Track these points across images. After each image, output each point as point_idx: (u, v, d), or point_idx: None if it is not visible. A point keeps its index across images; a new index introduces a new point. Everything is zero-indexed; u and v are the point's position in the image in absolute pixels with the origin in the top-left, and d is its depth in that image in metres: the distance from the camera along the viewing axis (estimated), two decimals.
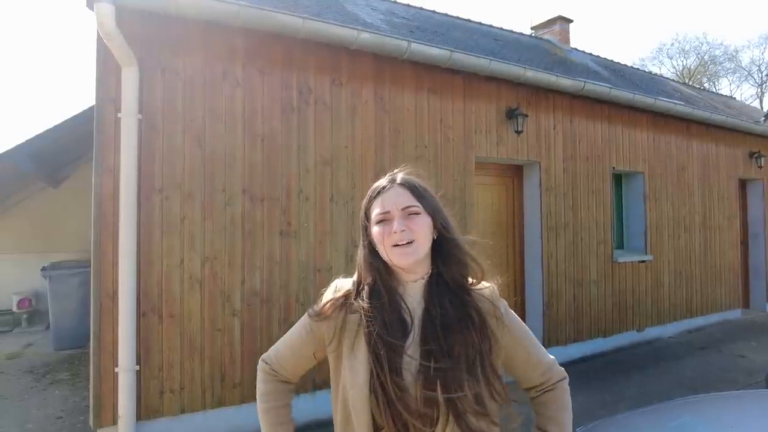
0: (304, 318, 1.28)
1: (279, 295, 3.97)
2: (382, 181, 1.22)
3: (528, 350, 1.26)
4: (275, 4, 4.05)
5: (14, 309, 7.63)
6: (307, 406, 3.98)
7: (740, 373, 5.27)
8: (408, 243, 1.14)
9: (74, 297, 6.30)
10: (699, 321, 7.41)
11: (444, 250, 1.20)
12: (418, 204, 1.17)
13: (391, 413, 1.07)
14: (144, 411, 3.47)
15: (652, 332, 6.69)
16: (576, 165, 5.92)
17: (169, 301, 3.58)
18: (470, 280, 1.23)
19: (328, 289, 1.27)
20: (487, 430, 1.10)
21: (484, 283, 1.25)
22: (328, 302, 1.22)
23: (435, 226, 1.19)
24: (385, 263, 1.19)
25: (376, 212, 1.18)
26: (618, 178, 6.83)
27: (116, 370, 3.36)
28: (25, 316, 7.68)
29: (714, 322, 7.64)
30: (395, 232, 1.13)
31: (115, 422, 3.36)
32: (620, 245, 6.82)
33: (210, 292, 3.72)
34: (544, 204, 5.60)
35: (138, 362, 3.44)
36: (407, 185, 1.20)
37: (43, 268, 6.39)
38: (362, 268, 1.22)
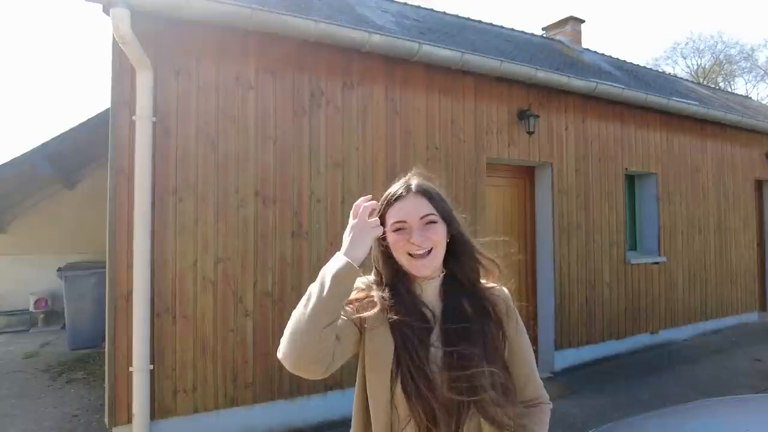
0: None
1: (291, 297, 3.99)
2: (398, 188, 1.24)
3: (528, 362, 1.29)
4: (287, 7, 4.08)
5: (31, 309, 7.77)
6: (318, 406, 4.00)
7: (757, 378, 5.18)
8: (427, 253, 1.18)
9: (89, 297, 6.39)
10: (714, 324, 7.31)
11: (457, 252, 1.25)
12: (434, 212, 1.21)
13: (421, 404, 1.10)
14: (158, 410, 3.50)
15: (666, 335, 6.61)
16: (588, 166, 5.88)
17: (182, 302, 3.62)
18: (482, 280, 1.28)
19: None
20: (501, 420, 1.13)
21: (495, 285, 1.30)
22: (354, 294, 1.23)
23: (449, 231, 1.23)
24: (399, 265, 1.23)
25: (393, 220, 1.21)
26: (631, 179, 6.76)
27: (131, 369, 3.40)
28: (41, 316, 7.82)
29: (730, 325, 7.53)
30: (414, 243, 1.17)
31: (129, 421, 3.40)
32: (633, 247, 6.75)
33: (223, 293, 3.75)
34: (556, 205, 5.57)
35: (152, 362, 3.48)
36: (424, 193, 1.22)
37: (59, 269, 6.50)
38: (379, 268, 1.26)
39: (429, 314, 1.21)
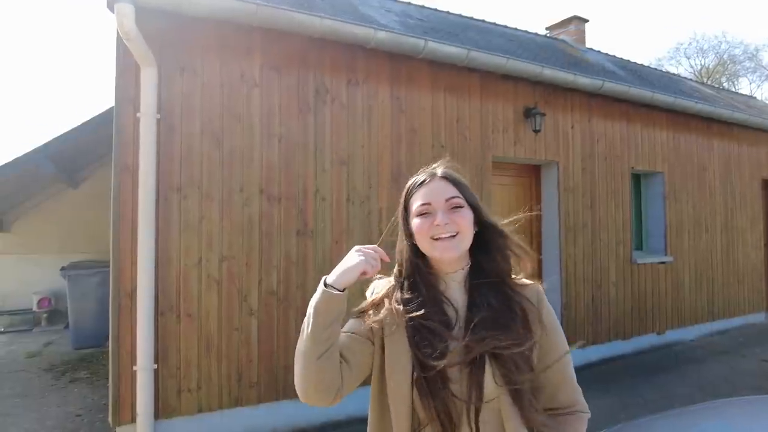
0: (351, 319, 1.25)
1: (295, 295, 3.96)
2: (422, 175, 1.20)
3: (563, 363, 1.18)
4: (291, 6, 4.06)
5: (34, 308, 7.76)
6: (323, 407, 3.96)
7: (764, 378, 5.13)
8: (451, 237, 1.12)
9: (93, 296, 6.37)
10: (721, 324, 7.25)
11: (485, 243, 1.18)
12: (460, 195, 1.15)
13: (436, 405, 1.05)
14: (162, 410, 3.48)
15: (672, 335, 6.55)
16: (594, 164, 5.84)
17: (187, 301, 3.59)
18: (512, 275, 1.20)
19: (367, 292, 1.27)
20: (516, 361, 1.07)
21: (526, 281, 1.22)
22: (368, 302, 1.21)
23: (476, 220, 1.17)
24: (423, 258, 1.17)
25: (417, 204, 1.16)
26: (637, 178, 6.72)
27: (134, 368, 3.38)
28: (44, 315, 7.81)
29: (737, 325, 7.47)
30: (438, 225, 1.11)
31: (133, 420, 3.37)
32: (639, 246, 6.71)
33: (227, 292, 3.72)
34: (562, 204, 5.53)
35: (156, 361, 3.45)
36: (449, 178, 1.18)
37: (63, 268, 6.48)
38: (403, 262, 1.20)
39: (451, 311, 1.14)
